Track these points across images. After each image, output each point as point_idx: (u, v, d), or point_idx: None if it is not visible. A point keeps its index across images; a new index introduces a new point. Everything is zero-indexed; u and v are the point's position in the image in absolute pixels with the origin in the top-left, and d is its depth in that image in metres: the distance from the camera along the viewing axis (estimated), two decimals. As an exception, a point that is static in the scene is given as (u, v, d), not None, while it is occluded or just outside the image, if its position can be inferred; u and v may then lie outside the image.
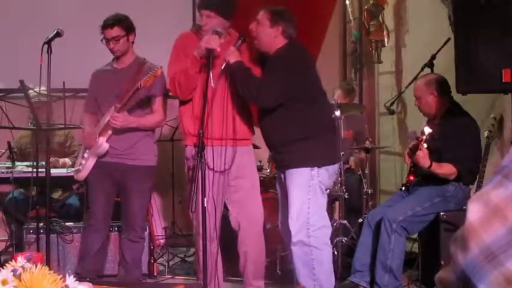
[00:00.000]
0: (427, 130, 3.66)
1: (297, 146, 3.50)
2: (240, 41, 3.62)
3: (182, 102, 3.71)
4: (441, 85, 4.01)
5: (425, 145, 3.74)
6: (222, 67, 3.52)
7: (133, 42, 4.01)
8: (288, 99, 3.48)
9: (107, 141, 3.89)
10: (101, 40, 3.91)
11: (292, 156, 3.53)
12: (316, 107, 3.55)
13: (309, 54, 3.69)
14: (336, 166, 3.66)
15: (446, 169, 3.83)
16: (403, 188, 4.19)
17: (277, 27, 3.56)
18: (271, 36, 3.56)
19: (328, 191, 3.71)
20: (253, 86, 3.48)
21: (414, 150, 3.76)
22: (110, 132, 3.88)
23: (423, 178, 4.05)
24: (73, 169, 4.39)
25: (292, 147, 3.52)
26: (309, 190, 3.48)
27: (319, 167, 3.50)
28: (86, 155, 4.01)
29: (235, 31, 3.78)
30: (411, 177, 4.16)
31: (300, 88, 3.50)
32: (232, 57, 3.51)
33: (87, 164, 3.97)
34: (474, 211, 0.95)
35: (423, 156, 3.74)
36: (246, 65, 3.57)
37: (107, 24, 3.89)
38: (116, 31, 3.89)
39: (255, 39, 3.62)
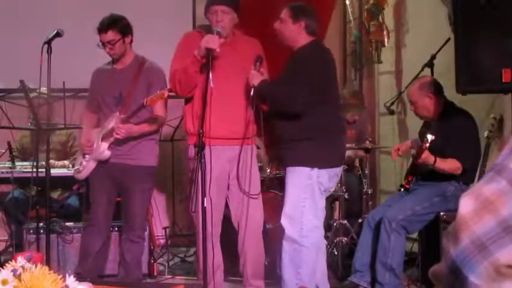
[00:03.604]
0: (430, 137, 3.68)
1: (301, 144, 3.51)
2: (258, 62, 3.61)
3: (186, 101, 3.72)
4: (435, 86, 4.03)
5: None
6: (251, 93, 3.53)
7: (131, 42, 3.95)
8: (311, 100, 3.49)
9: (109, 147, 3.87)
10: (98, 44, 3.86)
11: (294, 155, 3.55)
12: (327, 109, 3.57)
13: (331, 55, 3.71)
14: (337, 169, 3.66)
15: (450, 163, 3.84)
16: (402, 190, 4.19)
17: (300, 23, 3.58)
18: (294, 33, 3.59)
19: (329, 193, 3.71)
20: (284, 98, 3.49)
21: (418, 156, 3.78)
22: (112, 139, 3.83)
23: (423, 177, 4.05)
24: (73, 169, 4.39)
25: (296, 145, 3.53)
26: (306, 189, 3.50)
27: (319, 168, 3.51)
28: (87, 157, 4.00)
29: (240, 32, 3.78)
30: (410, 178, 4.15)
31: (319, 89, 3.50)
32: (256, 79, 3.52)
33: (88, 165, 3.97)
34: (465, 205, 0.97)
35: (426, 156, 3.76)
36: (268, 79, 3.58)
37: (101, 28, 3.81)
38: (110, 35, 3.82)
39: (279, 37, 3.64)
